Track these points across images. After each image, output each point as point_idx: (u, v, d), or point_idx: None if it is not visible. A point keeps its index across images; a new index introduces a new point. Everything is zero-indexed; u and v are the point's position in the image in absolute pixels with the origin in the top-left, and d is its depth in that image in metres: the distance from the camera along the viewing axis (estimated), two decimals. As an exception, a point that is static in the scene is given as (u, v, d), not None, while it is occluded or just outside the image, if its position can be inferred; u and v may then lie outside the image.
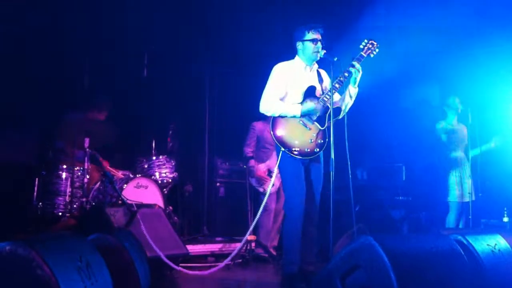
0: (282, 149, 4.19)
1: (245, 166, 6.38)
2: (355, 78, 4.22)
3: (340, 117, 4.30)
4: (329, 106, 4.18)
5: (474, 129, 6.15)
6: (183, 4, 6.42)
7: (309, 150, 4.20)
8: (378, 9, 6.23)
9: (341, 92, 4.34)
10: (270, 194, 5.89)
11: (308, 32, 4.32)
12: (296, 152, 4.16)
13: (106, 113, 6.25)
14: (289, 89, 4.34)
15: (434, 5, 6.24)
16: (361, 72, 4.21)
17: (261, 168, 5.96)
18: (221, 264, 4.53)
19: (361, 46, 4.31)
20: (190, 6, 6.44)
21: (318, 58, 4.36)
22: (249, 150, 6.07)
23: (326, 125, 4.26)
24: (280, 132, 4.22)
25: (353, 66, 4.20)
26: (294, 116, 4.23)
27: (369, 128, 7.01)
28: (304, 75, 4.41)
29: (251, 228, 4.60)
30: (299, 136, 4.22)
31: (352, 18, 6.29)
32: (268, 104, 4.27)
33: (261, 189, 5.97)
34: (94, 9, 5.88)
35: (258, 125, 6.11)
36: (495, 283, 3.19)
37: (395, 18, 6.34)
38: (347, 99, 4.32)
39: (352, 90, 4.29)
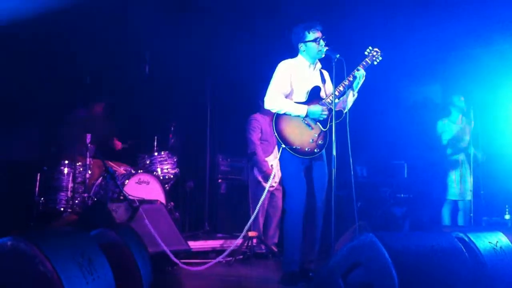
0: (283, 145, 4.20)
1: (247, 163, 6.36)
2: (358, 83, 4.26)
3: (341, 119, 4.31)
4: (332, 108, 4.19)
5: (476, 128, 6.15)
6: (185, 3, 6.41)
7: (309, 149, 4.21)
8: (380, 8, 6.22)
9: (342, 96, 4.34)
10: (268, 191, 5.89)
11: (309, 33, 4.32)
12: (296, 150, 4.17)
13: (102, 105, 6.25)
14: (294, 87, 4.34)
15: (437, 4, 6.23)
16: (364, 78, 4.25)
17: (268, 163, 5.94)
18: (216, 260, 4.55)
19: (366, 53, 4.38)
20: (192, 5, 6.43)
21: (323, 56, 4.36)
22: (256, 137, 6.00)
23: (328, 126, 4.27)
24: (282, 128, 4.22)
25: (358, 70, 4.23)
26: (299, 116, 4.24)
27: (371, 126, 7.00)
28: (308, 74, 4.41)
29: (247, 225, 4.61)
30: (301, 135, 4.22)
31: (353, 18, 6.28)
32: (273, 101, 4.26)
33: (264, 184, 5.95)
34: (96, 7, 5.88)
35: (258, 117, 6.10)
36: (496, 280, 3.20)
37: (398, 17, 6.33)
38: (347, 103, 4.33)
39: (352, 96, 4.32)
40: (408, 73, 7.34)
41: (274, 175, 5.89)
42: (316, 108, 4.23)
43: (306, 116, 4.23)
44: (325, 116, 4.24)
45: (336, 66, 4.14)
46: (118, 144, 6.29)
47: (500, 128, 6.46)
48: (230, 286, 4.45)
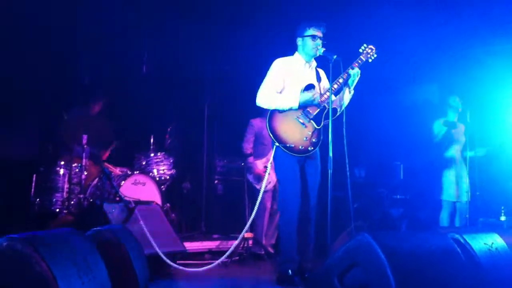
0: (276, 144, 4.20)
1: (243, 164, 6.37)
2: (353, 81, 4.27)
3: (335, 117, 4.30)
4: (326, 106, 4.19)
5: (472, 129, 6.16)
6: (183, 3, 6.42)
7: (303, 147, 4.21)
8: (379, 9, 6.23)
9: (337, 94, 4.35)
10: (266, 192, 5.90)
11: (309, 29, 4.33)
12: (289, 149, 4.17)
13: (100, 104, 6.24)
14: (287, 85, 4.34)
15: (435, 4, 6.24)
16: (359, 76, 4.25)
17: (259, 165, 5.95)
18: (217, 262, 4.53)
19: (360, 50, 4.37)
20: (190, 4, 6.43)
21: (317, 55, 4.37)
22: (248, 147, 6.07)
23: (322, 124, 4.27)
24: (275, 127, 4.22)
25: (352, 68, 4.23)
26: (291, 109, 4.23)
27: (367, 126, 7.02)
28: (303, 72, 4.42)
29: (247, 226, 4.60)
30: (295, 132, 4.22)
31: (352, 18, 6.29)
32: (264, 97, 4.28)
33: (258, 186, 5.95)
34: (94, 6, 5.87)
35: (256, 122, 6.11)
36: (492, 281, 3.20)
37: (396, 17, 6.34)
38: (343, 101, 4.34)
39: (349, 93, 4.32)
40: (405, 73, 7.35)
41: (268, 177, 5.89)
42: (305, 95, 4.23)
43: (300, 108, 4.23)
44: (318, 100, 4.23)
45: (333, 66, 4.14)
46: (105, 154, 6.28)
47: (496, 129, 6.47)
48: (226, 287, 4.45)
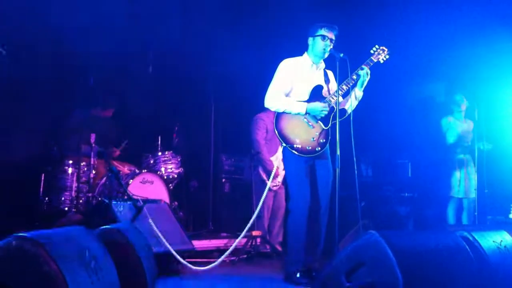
0: (284, 144, 4.19)
1: (253, 156, 6.32)
2: (363, 82, 4.25)
3: (344, 118, 4.29)
4: (335, 107, 4.18)
5: (480, 126, 6.14)
6: (187, 2, 6.42)
7: (310, 148, 4.20)
8: (385, 7, 6.21)
9: (346, 95, 4.33)
10: (270, 190, 5.86)
11: (321, 29, 4.31)
12: (297, 149, 4.16)
13: (112, 110, 6.28)
14: (295, 85, 4.33)
15: (440, 2, 6.22)
16: (369, 77, 4.23)
17: (273, 162, 5.91)
18: (220, 259, 4.54)
19: (372, 51, 4.35)
20: (195, 4, 6.44)
21: (326, 56, 4.35)
22: (262, 142, 5.97)
23: (329, 125, 4.26)
24: (283, 127, 4.22)
25: (362, 69, 4.22)
26: (299, 113, 4.23)
27: (374, 125, 6.99)
28: (310, 73, 4.41)
29: (249, 225, 4.60)
30: (302, 133, 4.22)
31: (358, 18, 6.27)
32: (273, 100, 4.27)
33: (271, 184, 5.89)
34: (99, 7, 5.89)
35: (263, 116, 6.06)
36: (500, 279, 3.19)
37: (401, 16, 6.32)
38: (352, 102, 4.32)
39: (358, 93, 4.31)
40: (412, 71, 7.32)
41: (278, 174, 5.88)
42: (315, 105, 4.23)
43: (306, 113, 4.23)
44: (325, 113, 4.23)
45: (340, 65, 4.13)
46: (116, 152, 6.31)
47: (504, 127, 6.44)
48: (234, 285, 4.45)
